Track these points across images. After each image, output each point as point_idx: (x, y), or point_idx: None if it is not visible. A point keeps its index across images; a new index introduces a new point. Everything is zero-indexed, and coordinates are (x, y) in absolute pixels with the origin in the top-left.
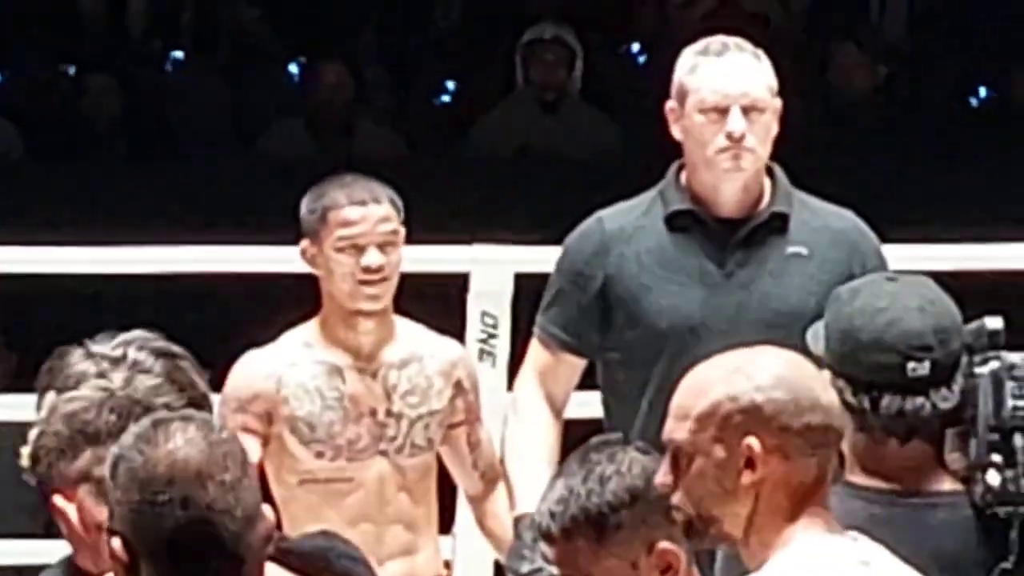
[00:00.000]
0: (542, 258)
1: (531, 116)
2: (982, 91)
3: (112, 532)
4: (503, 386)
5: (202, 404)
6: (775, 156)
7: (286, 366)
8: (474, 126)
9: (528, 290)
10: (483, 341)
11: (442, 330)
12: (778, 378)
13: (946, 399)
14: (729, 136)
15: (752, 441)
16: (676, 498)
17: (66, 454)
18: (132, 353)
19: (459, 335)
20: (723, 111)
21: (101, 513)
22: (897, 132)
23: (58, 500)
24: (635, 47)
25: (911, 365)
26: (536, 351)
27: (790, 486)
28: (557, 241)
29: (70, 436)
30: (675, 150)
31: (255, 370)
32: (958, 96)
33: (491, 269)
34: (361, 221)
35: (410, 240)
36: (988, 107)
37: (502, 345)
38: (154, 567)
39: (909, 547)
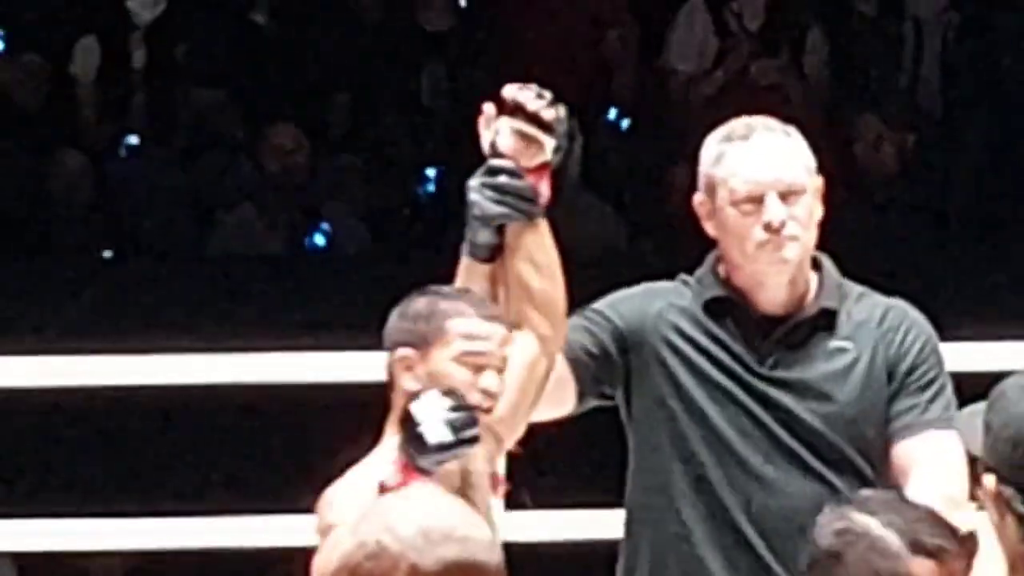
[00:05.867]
0: None
1: None
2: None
3: None
4: None
5: None
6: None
7: None
8: (460, 216)
9: None
10: None
11: None
12: (407, 515)
13: None
14: (767, 227)
15: None
16: None
17: None
18: None
19: None
20: (758, 200)
21: None
22: (929, 209)
23: None
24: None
25: None
26: None
27: None
28: None
29: None
30: (686, 242)
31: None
32: (995, 166)
33: None
34: (489, 337)
35: (379, 346)
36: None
37: None
38: None
39: None
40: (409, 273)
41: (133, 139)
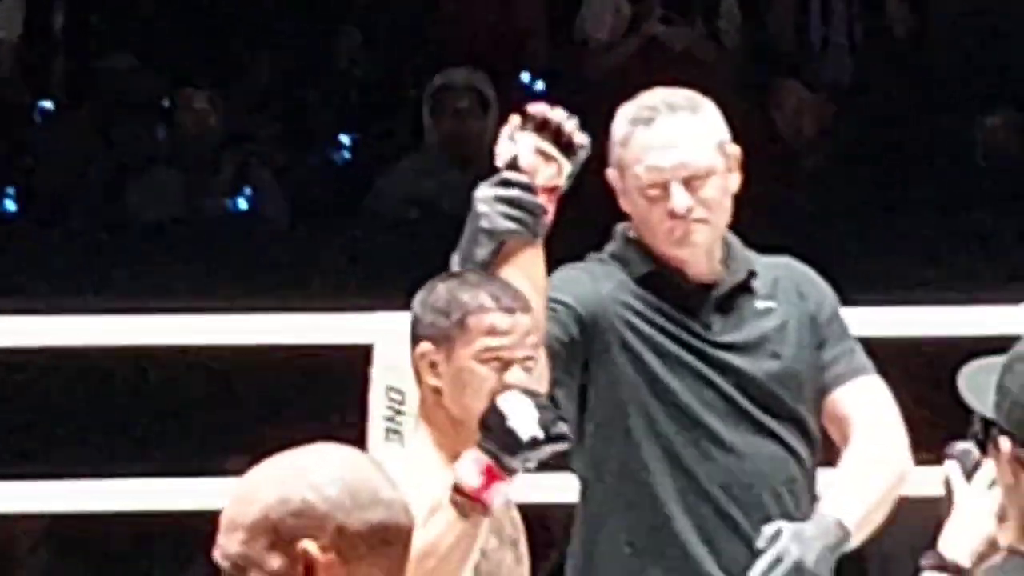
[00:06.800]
0: None
1: (441, 172)
2: (937, 132)
3: None
4: None
5: None
6: None
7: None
8: (376, 183)
9: None
10: (389, 419)
11: (345, 407)
12: (332, 475)
13: None
14: (672, 215)
15: (307, 544)
16: None
17: None
18: None
19: (362, 412)
20: (663, 186)
21: None
22: (845, 178)
23: None
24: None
25: None
26: None
27: None
28: None
29: None
30: (597, 211)
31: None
32: (910, 138)
33: (396, 340)
34: (511, 332)
35: (306, 308)
36: (945, 149)
37: (410, 423)
38: None
39: None
40: (326, 239)
41: (48, 104)
